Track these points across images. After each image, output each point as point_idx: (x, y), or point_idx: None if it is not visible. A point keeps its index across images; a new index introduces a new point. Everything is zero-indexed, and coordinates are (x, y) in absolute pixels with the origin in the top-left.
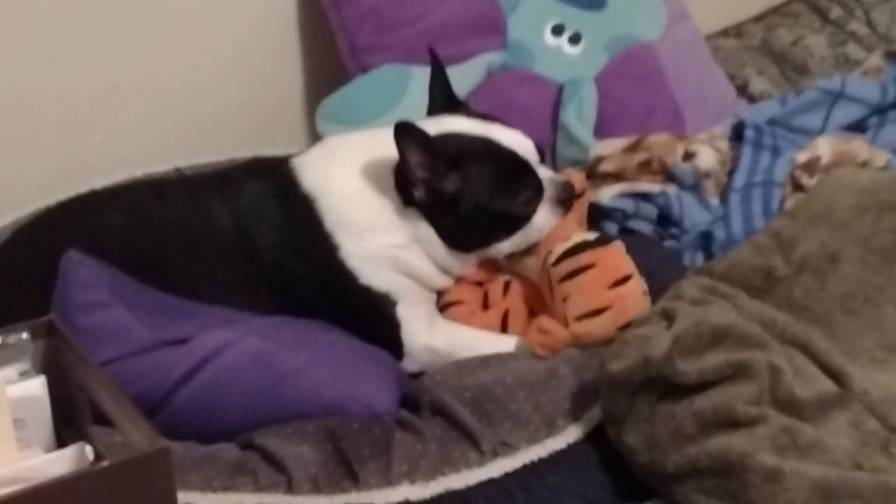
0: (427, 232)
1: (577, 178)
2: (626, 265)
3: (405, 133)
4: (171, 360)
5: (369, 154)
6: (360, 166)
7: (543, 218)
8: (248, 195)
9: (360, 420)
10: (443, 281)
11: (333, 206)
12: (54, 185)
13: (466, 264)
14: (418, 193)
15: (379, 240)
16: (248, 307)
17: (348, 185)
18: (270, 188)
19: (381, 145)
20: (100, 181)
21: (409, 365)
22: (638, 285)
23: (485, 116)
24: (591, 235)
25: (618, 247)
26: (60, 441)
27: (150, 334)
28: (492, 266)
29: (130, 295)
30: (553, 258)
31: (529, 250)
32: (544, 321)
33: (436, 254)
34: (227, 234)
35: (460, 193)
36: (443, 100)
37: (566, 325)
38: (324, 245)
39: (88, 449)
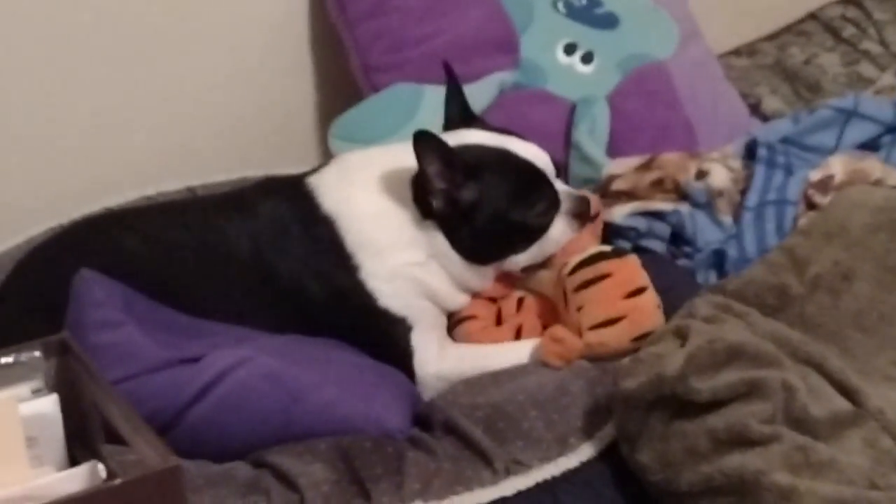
0: (445, 245)
1: (593, 199)
2: (642, 277)
3: (424, 142)
4: (183, 378)
5: (386, 171)
6: (379, 184)
7: (560, 230)
8: (264, 216)
9: (372, 439)
10: (459, 300)
11: (354, 227)
12: (68, 204)
13: (483, 278)
14: (436, 203)
15: (399, 258)
16: (262, 328)
17: (369, 204)
18: (289, 210)
19: (397, 161)
20: (113, 199)
21: (422, 393)
22: (653, 297)
23: (501, 130)
24: (608, 247)
25: (634, 259)
26: (73, 459)
27: (162, 353)
28: (507, 281)
29: (143, 313)
30: (569, 268)
31: (544, 263)
32: (558, 330)
33: (453, 268)
34: (243, 255)
35: (478, 203)
36: (459, 114)
37: (580, 335)
38: (345, 266)
39: (101, 467)
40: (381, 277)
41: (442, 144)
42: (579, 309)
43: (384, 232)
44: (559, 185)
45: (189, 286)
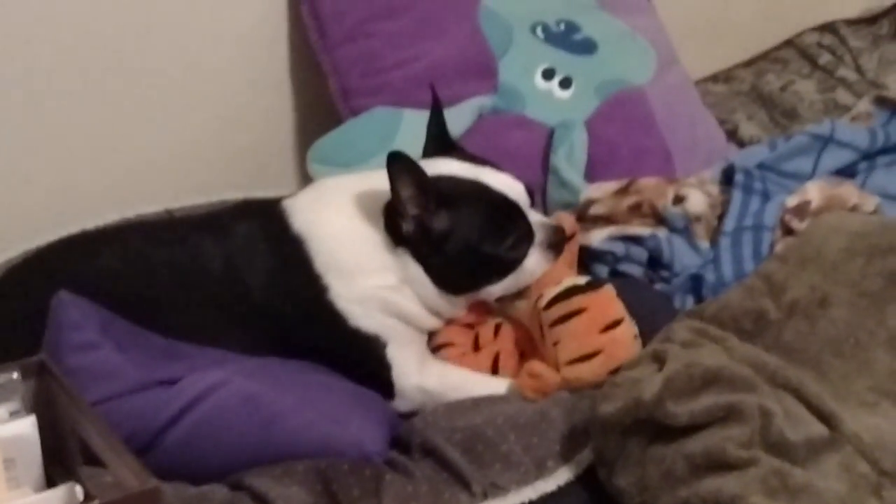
0: (417, 273)
1: (568, 220)
2: (617, 309)
3: (398, 164)
4: (160, 400)
5: (360, 195)
6: (351, 208)
7: (534, 262)
8: (238, 237)
9: (350, 461)
10: (433, 323)
11: (323, 248)
12: (45, 227)
13: (457, 306)
14: (407, 227)
15: (368, 281)
16: (238, 348)
17: (338, 226)
18: (261, 230)
19: (372, 187)
20: (91, 222)
21: (401, 405)
22: (629, 329)
23: (477, 159)
24: (582, 279)
25: (609, 291)
26: (50, 481)
27: (139, 375)
28: (483, 308)
29: (120, 335)
30: (544, 302)
31: (520, 294)
32: (535, 365)
33: (426, 295)
34: (217, 276)
35: (449, 233)
36: (438, 142)
37: (557, 368)
38: (313, 287)
39: (78, 489)
40: (351, 299)
41: (416, 168)
42: (555, 344)
43: (353, 255)
44: (533, 216)
45: (165, 305)
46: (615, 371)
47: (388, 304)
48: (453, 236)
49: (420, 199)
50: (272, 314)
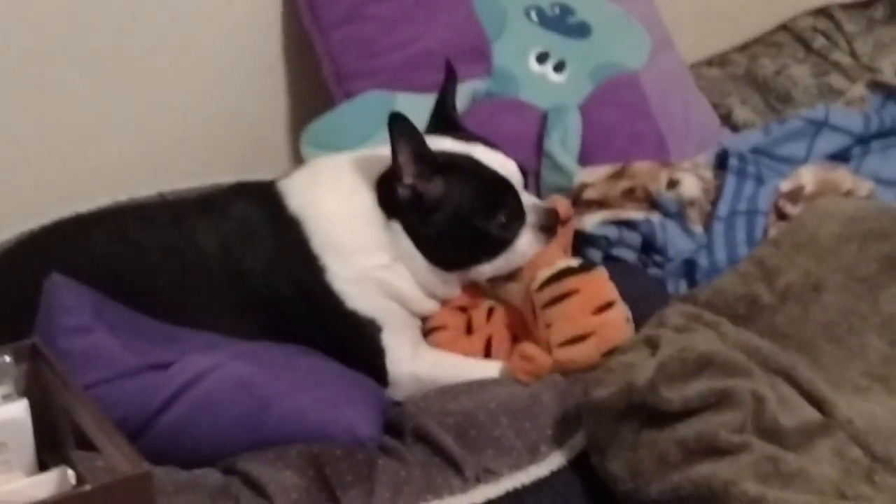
0: (410, 248)
1: (563, 204)
2: (610, 291)
3: (399, 126)
4: (153, 384)
5: (354, 174)
6: (346, 187)
7: (526, 243)
8: (233, 219)
9: (342, 446)
10: (427, 305)
11: (320, 228)
12: (38, 210)
13: (449, 285)
14: (402, 190)
15: (364, 260)
16: (233, 331)
17: (334, 206)
18: (257, 211)
19: (365, 164)
20: (84, 206)
21: (394, 393)
22: (621, 311)
23: (476, 138)
24: (575, 262)
25: (601, 273)
26: (42, 465)
27: (132, 358)
28: (476, 291)
29: (113, 319)
30: (536, 284)
31: (513, 276)
32: (527, 347)
33: (418, 271)
34: (212, 258)
35: (442, 201)
36: (441, 120)
37: (549, 350)
38: (311, 268)
39: (70, 473)
40: (348, 279)
41: (416, 132)
42: (548, 326)
43: (349, 234)
44: (527, 198)
45: (159, 287)
46: (608, 353)
47: (383, 285)
48: (444, 206)
49: (416, 164)
50: (268, 297)
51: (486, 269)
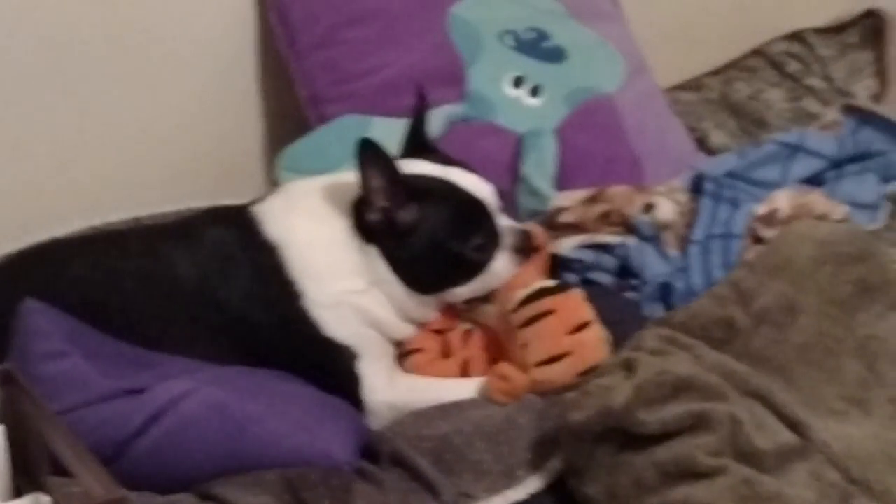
0: (386, 272)
1: (539, 232)
2: (586, 311)
3: (368, 151)
4: (128, 409)
5: (329, 197)
6: (321, 212)
7: (501, 265)
8: (209, 245)
9: (319, 470)
10: (404, 330)
11: (297, 254)
12: (13, 234)
13: (426, 308)
14: (373, 216)
15: (341, 286)
16: (209, 357)
17: (310, 231)
18: (232, 237)
19: (340, 188)
20: (59, 230)
21: (371, 421)
22: (598, 331)
23: (451, 162)
24: (551, 282)
25: (577, 293)
26: (17, 490)
27: (107, 384)
28: (452, 313)
29: (89, 344)
30: (513, 304)
31: (488, 297)
32: (504, 367)
33: (395, 296)
34: (188, 284)
35: (415, 227)
36: (415, 144)
37: (526, 370)
38: (287, 293)
39: (46, 499)
40: (324, 305)
41: (386, 158)
42: (524, 346)
43: (326, 259)
44: (502, 220)
45: (134, 313)
46: (584, 373)
47: (360, 310)
48: (419, 231)
49: (389, 189)
50: (245, 323)
51: (462, 292)
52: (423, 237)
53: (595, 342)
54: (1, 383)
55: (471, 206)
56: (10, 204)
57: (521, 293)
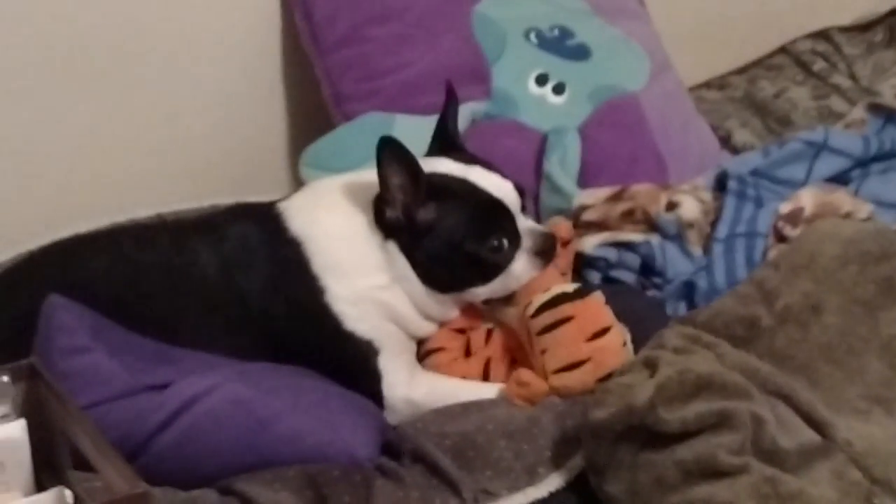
0: (406, 269)
1: (564, 227)
2: (605, 317)
3: (389, 149)
4: (151, 405)
5: (353, 194)
6: (344, 208)
7: (521, 268)
8: (233, 240)
9: (340, 467)
10: (425, 327)
11: (320, 249)
12: (37, 231)
13: (446, 307)
14: (391, 213)
15: (364, 281)
16: (232, 352)
17: (334, 227)
18: (257, 232)
19: (364, 184)
20: (83, 227)
21: (390, 417)
22: (617, 337)
23: (475, 160)
24: (570, 287)
25: (597, 298)
26: (40, 485)
27: (130, 379)
28: (474, 313)
29: (112, 339)
30: (531, 310)
31: (510, 299)
32: (523, 374)
33: (414, 293)
34: (211, 279)
35: (433, 226)
36: (442, 143)
37: (545, 376)
38: (310, 288)
39: (68, 493)
40: (347, 300)
41: (407, 155)
42: (543, 352)
43: (349, 254)
44: (524, 222)
45: (158, 308)
46: (604, 379)
47: (382, 306)
48: (437, 230)
49: (408, 187)
50: (268, 318)
51: (481, 292)
52: (441, 236)
53: (614, 348)
54: (25, 378)
55: (490, 207)
56: (36, 201)
57: (540, 299)
